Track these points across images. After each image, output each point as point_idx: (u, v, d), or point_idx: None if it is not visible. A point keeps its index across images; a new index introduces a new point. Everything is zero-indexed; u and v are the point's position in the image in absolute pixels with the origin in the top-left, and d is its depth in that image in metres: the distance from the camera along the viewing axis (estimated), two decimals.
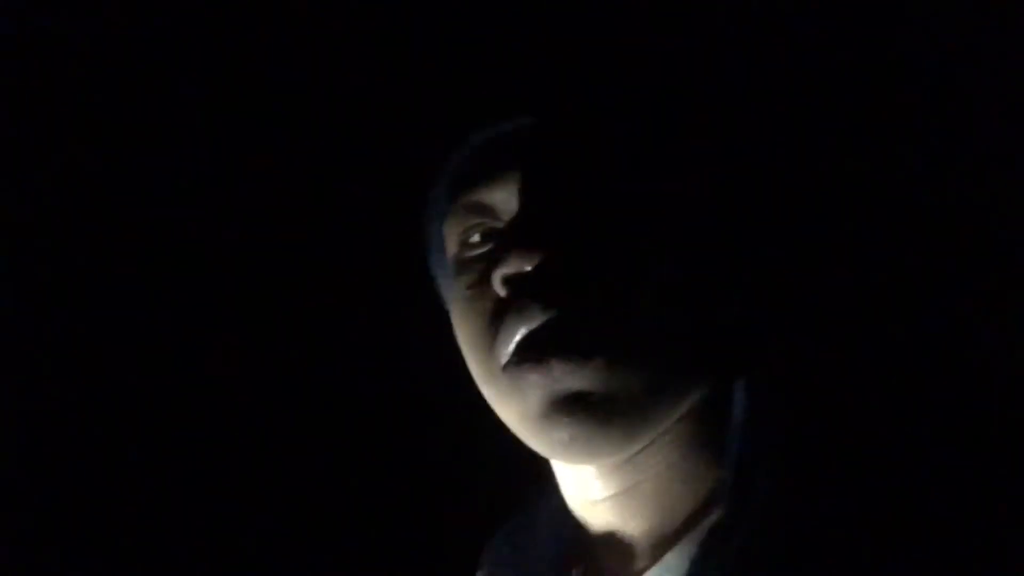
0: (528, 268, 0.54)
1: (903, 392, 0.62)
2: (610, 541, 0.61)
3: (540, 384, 0.54)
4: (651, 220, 0.56)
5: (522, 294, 0.55)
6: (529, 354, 0.54)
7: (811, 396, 0.59)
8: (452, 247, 0.61)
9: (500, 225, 0.58)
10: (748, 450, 0.55)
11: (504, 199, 0.58)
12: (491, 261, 0.56)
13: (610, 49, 0.63)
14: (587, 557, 0.63)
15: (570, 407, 0.54)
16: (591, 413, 0.54)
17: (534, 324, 0.54)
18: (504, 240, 0.57)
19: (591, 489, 0.60)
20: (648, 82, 0.62)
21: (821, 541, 0.50)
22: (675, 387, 0.56)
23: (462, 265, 0.60)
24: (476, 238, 0.59)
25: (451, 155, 0.61)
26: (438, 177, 0.62)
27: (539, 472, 0.65)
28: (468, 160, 0.60)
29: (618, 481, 0.59)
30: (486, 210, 0.58)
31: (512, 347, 0.55)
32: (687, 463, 0.58)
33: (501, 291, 0.56)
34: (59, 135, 0.76)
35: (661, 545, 0.58)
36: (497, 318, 0.56)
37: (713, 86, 0.65)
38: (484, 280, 0.57)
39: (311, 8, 0.74)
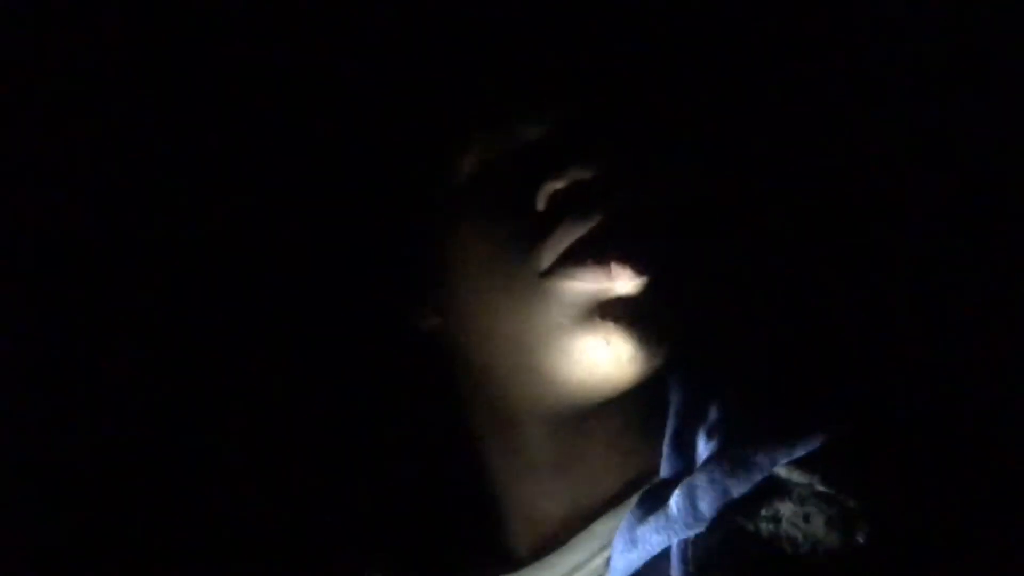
0: (588, 177, 0.56)
1: (839, 376, 0.63)
2: (533, 511, 0.62)
3: (594, 283, 0.55)
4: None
5: (578, 202, 0.56)
6: (586, 253, 0.55)
7: (746, 382, 0.60)
8: (464, 166, 0.60)
9: (532, 152, 0.59)
10: (682, 429, 0.57)
11: (544, 130, 0.59)
12: (525, 180, 0.57)
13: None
14: (507, 528, 0.63)
15: (615, 311, 0.55)
16: (634, 321, 0.55)
17: (593, 226, 0.56)
18: (552, 158, 0.57)
19: (533, 452, 0.61)
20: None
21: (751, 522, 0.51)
22: (675, 334, 0.58)
23: (480, 181, 0.60)
24: (494, 160, 0.60)
25: (476, 91, 0.62)
26: (450, 107, 0.63)
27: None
28: (501, 93, 0.61)
29: (564, 446, 0.60)
30: (517, 140, 0.60)
31: (562, 249, 0.56)
32: (627, 438, 0.60)
33: (542, 204, 0.57)
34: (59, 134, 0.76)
35: (589, 516, 0.59)
36: (537, 227, 0.57)
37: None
38: (520, 195, 0.58)
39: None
